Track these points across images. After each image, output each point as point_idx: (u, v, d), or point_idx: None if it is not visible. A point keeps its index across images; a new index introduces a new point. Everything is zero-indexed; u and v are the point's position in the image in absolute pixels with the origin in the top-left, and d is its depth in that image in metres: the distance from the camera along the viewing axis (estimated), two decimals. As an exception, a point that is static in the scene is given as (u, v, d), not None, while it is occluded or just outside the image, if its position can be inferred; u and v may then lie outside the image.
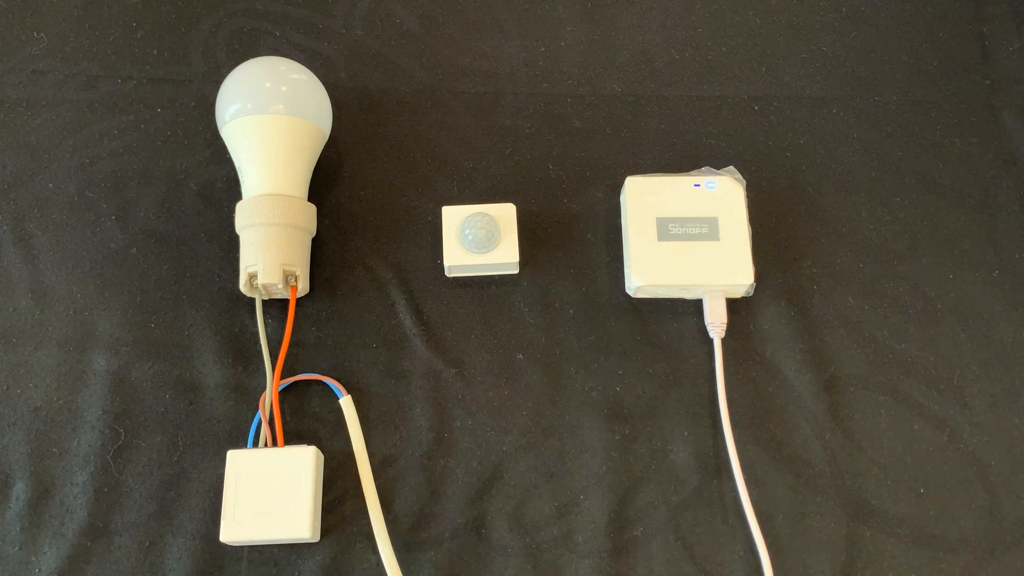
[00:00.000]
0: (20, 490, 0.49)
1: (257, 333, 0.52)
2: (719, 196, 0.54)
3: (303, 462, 0.47)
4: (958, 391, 0.52)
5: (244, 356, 0.52)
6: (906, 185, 0.57)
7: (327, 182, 0.57)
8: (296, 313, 0.53)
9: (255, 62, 0.53)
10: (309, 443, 0.49)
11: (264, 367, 0.51)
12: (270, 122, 0.51)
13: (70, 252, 0.55)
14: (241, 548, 0.48)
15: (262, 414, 0.49)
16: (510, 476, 0.50)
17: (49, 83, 0.59)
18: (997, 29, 0.62)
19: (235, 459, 0.47)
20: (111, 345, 0.52)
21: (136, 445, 0.50)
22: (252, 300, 0.53)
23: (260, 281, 0.50)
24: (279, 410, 0.49)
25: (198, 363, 0.52)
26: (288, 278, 0.51)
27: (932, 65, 0.61)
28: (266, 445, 0.49)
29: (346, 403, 0.51)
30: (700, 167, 0.57)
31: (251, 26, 0.61)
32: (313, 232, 0.54)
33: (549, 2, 0.63)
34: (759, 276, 0.54)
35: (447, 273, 0.54)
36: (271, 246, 0.50)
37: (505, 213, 0.53)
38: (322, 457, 0.49)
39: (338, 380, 0.51)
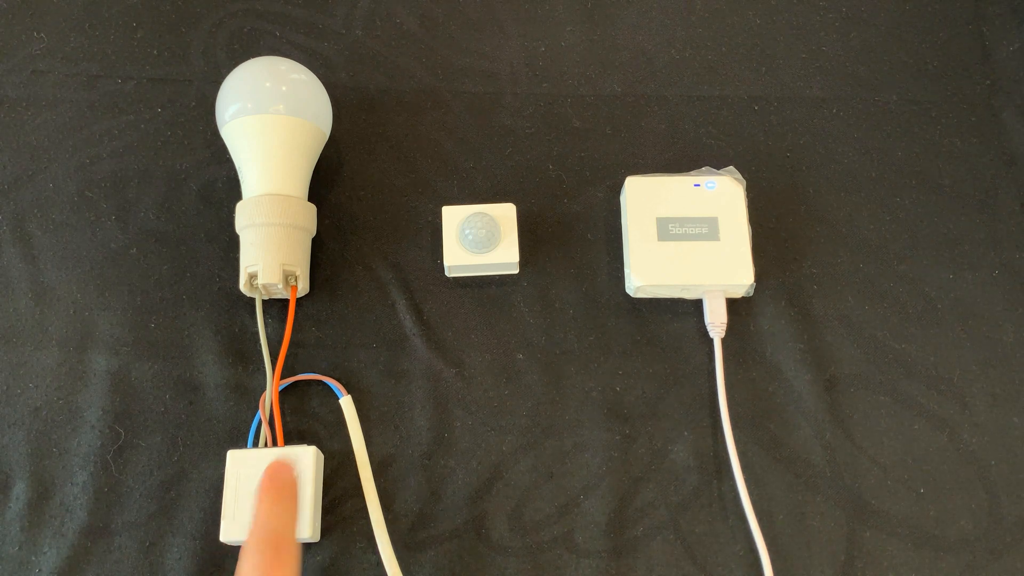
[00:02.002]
0: (20, 490, 0.49)
1: (257, 333, 0.52)
2: (719, 196, 0.54)
3: (303, 462, 0.47)
4: (958, 391, 0.52)
5: (244, 356, 0.52)
6: (906, 185, 0.57)
7: (327, 182, 0.57)
8: (296, 313, 0.53)
9: (255, 62, 0.53)
10: (309, 443, 0.49)
11: (264, 367, 0.51)
12: (270, 122, 0.51)
13: (70, 252, 0.55)
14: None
15: (262, 414, 0.49)
16: (510, 476, 0.50)
17: (49, 83, 0.59)
18: (997, 29, 0.62)
19: (235, 459, 0.47)
20: (111, 345, 0.52)
21: (136, 445, 0.50)
22: (252, 300, 0.53)
23: (260, 281, 0.50)
24: (279, 410, 0.49)
25: (198, 363, 0.52)
26: (288, 278, 0.51)
27: (932, 65, 0.61)
28: (266, 445, 0.49)
29: (346, 403, 0.51)
30: (700, 167, 0.57)
31: (251, 26, 0.61)
32: (313, 232, 0.54)
33: (549, 2, 0.63)
34: (759, 276, 0.54)
35: (447, 273, 0.54)
36: (271, 246, 0.50)
37: (505, 213, 0.53)
38: (322, 457, 0.49)
39: (338, 380, 0.51)
